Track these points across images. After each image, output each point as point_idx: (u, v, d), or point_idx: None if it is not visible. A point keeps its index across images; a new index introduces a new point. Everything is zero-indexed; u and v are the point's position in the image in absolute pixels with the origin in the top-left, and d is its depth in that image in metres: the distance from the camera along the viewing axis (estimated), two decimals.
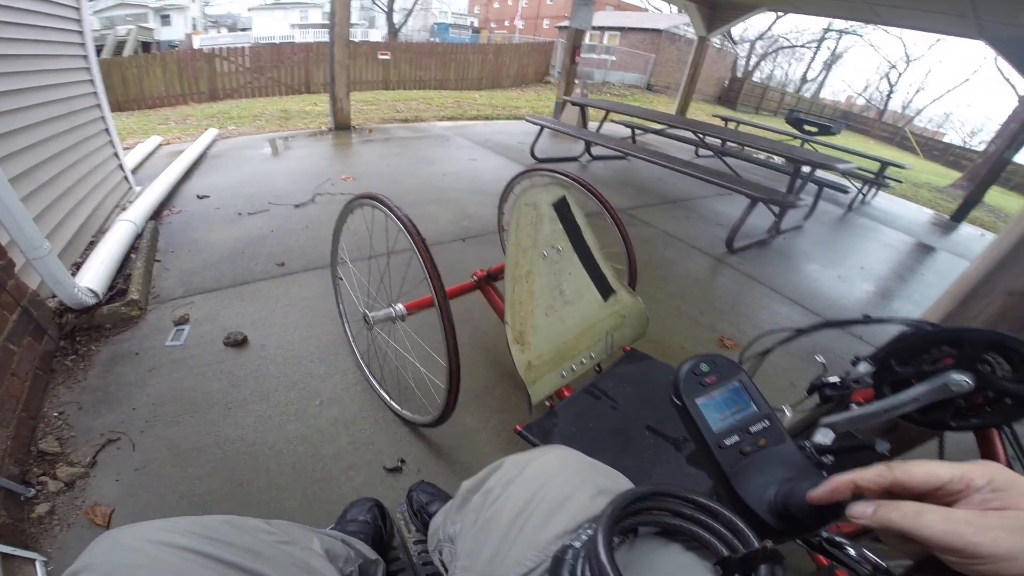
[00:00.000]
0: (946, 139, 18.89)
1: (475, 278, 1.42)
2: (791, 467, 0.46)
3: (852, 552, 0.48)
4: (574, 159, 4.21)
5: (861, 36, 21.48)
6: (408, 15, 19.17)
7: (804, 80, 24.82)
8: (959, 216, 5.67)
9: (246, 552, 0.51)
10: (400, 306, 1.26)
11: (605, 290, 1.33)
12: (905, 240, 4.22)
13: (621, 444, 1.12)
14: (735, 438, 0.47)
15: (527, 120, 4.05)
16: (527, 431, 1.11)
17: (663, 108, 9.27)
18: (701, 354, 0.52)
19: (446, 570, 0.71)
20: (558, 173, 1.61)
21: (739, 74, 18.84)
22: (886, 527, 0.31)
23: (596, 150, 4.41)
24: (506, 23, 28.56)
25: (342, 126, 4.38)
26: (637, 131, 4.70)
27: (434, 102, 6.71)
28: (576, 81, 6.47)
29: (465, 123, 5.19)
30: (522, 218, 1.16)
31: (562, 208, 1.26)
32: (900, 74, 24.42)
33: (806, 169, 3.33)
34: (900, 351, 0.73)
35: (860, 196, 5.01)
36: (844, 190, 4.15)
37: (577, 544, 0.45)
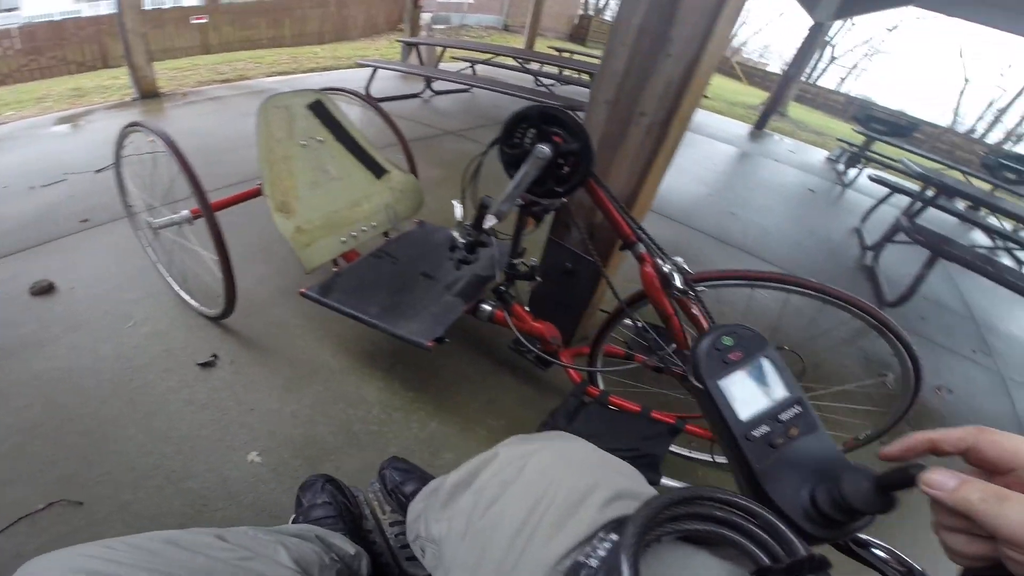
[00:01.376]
0: (768, 68, 21.41)
1: (258, 184, 1.55)
2: (822, 461, 0.38)
3: (881, 554, 0.40)
4: (415, 95, 4.28)
5: None
6: None
7: None
8: (760, 124, 6.79)
9: None
10: (185, 211, 1.36)
11: (376, 170, 1.55)
12: (711, 142, 5.09)
13: (396, 288, 1.36)
14: (764, 428, 0.39)
15: (357, 63, 4.02)
16: (310, 291, 1.29)
17: (516, 45, 9.47)
18: (722, 325, 0.44)
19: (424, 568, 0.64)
20: (338, 90, 1.78)
21: (589, 12, 19.48)
22: (963, 509, 0.26)
23: (440, 85, 4.52)
24: None
25: (149, 94, 4.00)
26: (477, 64, 4.86)
27: (265, 60, 6.17)
28: (422, 24, 6.38)
29: (300, 76, 4.93)
30: (271, 117, 1.32)
31: (318, 109, 1.44)
32: None
33: None
34: (505, 136, 0.99)
35: None
36: None
37: (593, 561, 0.38)
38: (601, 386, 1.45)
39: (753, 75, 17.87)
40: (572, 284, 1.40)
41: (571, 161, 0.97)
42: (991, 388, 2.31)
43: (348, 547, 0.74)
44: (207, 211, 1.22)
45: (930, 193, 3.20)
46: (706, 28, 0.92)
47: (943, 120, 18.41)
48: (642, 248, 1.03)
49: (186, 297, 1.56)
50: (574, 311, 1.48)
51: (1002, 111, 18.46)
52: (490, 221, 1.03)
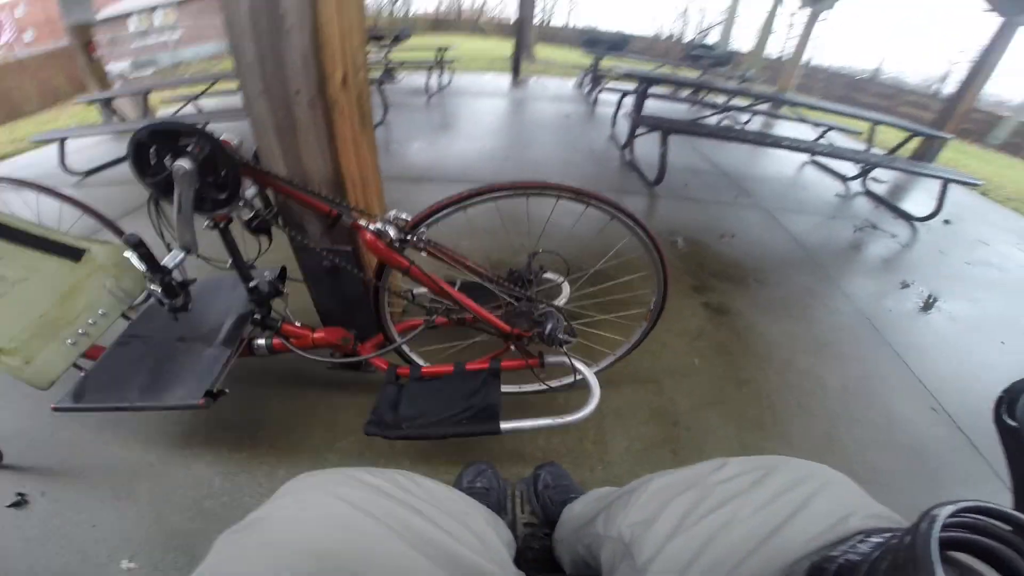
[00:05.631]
0: (512, 20, 22.82)
1: None
2: None
3: None
4: None
5: None
6: None
7: (394, 1, 26.13)
8: (515, 72, 7.35)
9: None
10: None
11: (71, 254, 1.31)
12: (478, 99, 5.45)
13: (154, 364, 1.22)
14: None
15: (33, 140, 3.25)
16: (62, 404, 1.12)
17: None
18: None
19: (590, 567, 0.66)
20: None
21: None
22: None
23: None
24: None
25: None
26: (199, 99, 4.29)
27: None
28: (116, 75, 5.36)
29: None
30: None
31: None
32: None
33: None
34: (138, 166, 0.90)
35: (436, 82, 5.99)
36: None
37: (851, 556, 0.35)
38: (421, 361, 1.45)
39: (503, 30, 19.09)
40: (342, 278, 1.34)
41: (219, 163, 0.90)
42: (764, 222, 2.89)
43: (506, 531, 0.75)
44: None
45: (643, 86, 3.81)
46: None
47: (651, 32, 22.13)
48: (348, 218, 1.03)
49: None
50: (362, 301, 1.43)
51: (684, 13, 22.94)
52: (178, 256, 0.92)
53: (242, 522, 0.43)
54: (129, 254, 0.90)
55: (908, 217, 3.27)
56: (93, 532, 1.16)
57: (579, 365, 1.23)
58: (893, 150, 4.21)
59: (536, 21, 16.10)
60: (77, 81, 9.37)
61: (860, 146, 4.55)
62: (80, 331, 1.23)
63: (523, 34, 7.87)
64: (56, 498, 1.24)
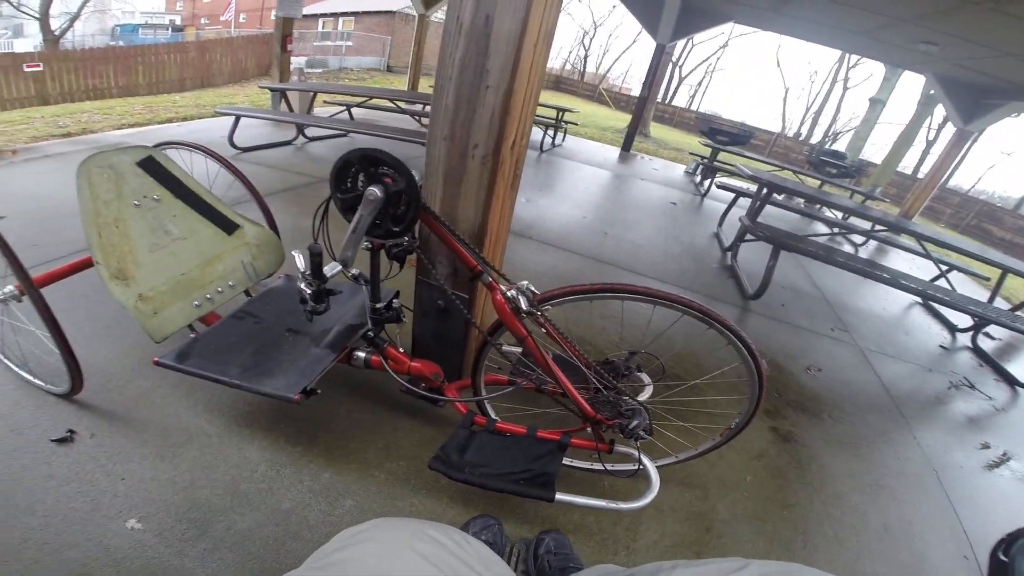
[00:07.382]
0: (632, 92, 23.42)
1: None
2: None
3: None
4: (287, 143, 4.12)
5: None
6: (73, 19, 15.03)
7: None
8: (626, 146, 7.54)
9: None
10: (10, 287, 1.21)
11: (227, 226, 1.46)
12: (585, 167, 5.54)
13: (260, 347, 1.29)
14: None
15: (216, 111, 3.80)
16: (165, 359, 1.19)
17: (399, 87, 9.59)
18: None
19: None
20: (175, 143, 1.69)
21: None
22: None
23: (315, 131, 4.39)
24: (221, 18, 25.77)
25: None
26: (353, 108, 4.83)
27: (116, 111, 5.57)
28: (295, 69, 6.22)
29: (155, 128, 4.51)
30: (94, 178, 1.21)
31: (150, 165, 1.33)
32: (591, 39, 29.80)
33: None
34: (337, 180, 0.99)
35: (550, 140, 6.24)
36: None
37: None
38: (492, 414, 1.47)
39: (619, 100, 19.84)
40: (448, 320, 1.42)
41: (404, 199, 0.99)
42: (854, 361, 2.69)
43: None
44: (29, 288, 1.12)
45: (764, 192, 3.68)
46: (515, 57, 1.01)
47: (775, 126, 21.74)
48: (489, 277, 1.08)
49: (29, 377, 1.38)
50: (457, 345, 1.49)
51: (817, 113, 22.42)
52: (334, 268, 1.02)
53: (329, 555, 0.49)
54: (299, 255, 1.01)
55: (1013, 382, 2.92)
56: (118, 485, 1.17)
57: (646, 460, 1.22)
58: (1018, 307, 3.73)
59: (658, 98, 16.65)
60: (263, 67, 11.07)
61: (982, 293, 4.09)
62: (208, 296, 1.34)
63: (642, 110, 8.09)
64: (102, 443, 1.26)
